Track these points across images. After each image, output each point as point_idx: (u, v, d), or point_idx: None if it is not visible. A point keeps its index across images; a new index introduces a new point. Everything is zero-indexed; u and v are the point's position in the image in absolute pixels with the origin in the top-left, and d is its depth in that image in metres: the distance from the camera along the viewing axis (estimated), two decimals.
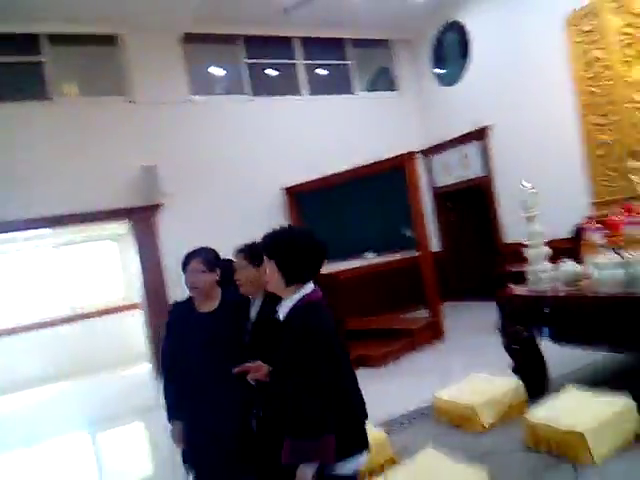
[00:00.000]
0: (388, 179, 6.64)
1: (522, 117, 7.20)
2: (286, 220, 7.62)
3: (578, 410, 2.83)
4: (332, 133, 8.18)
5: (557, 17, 6.44)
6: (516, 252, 7.09)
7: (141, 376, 7.06)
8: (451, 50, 8.46)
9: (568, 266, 3.62)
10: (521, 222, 7.14)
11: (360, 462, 1.70)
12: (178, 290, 6.05)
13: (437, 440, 3.07)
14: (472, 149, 8.10)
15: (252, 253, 2.30)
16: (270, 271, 1.77)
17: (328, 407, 1.57)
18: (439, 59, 8.70)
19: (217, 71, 8.08)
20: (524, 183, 4.07)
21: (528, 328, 3.70)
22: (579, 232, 6.19)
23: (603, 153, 6.17)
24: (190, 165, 7.09)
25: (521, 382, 3.57)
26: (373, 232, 6.82)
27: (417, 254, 6.41)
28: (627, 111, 5.82)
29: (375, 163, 6.69)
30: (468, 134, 8.03)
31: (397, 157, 6.47)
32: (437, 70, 8.73)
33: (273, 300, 1.88)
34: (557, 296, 3.56)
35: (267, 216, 7.20)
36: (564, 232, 6.45)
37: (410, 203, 6.32)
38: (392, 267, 7.76)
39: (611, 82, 5.94)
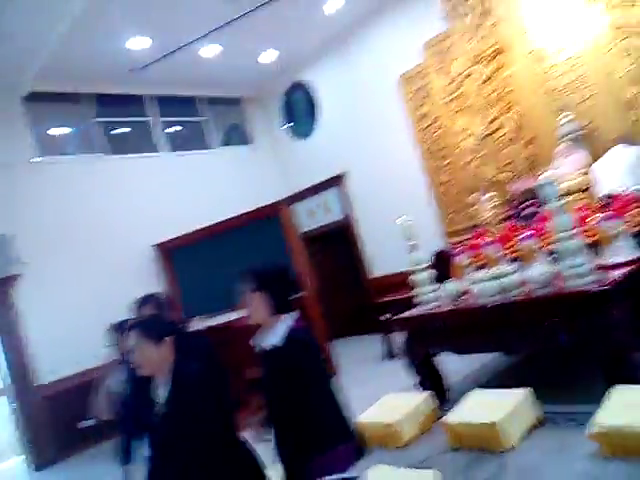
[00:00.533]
0: (261, 228, 6.89)
1: (374, 163, 8.07)
2: (159, 278, 7.40)
3: (486, 406, 3.25)
4: (193, 188, 8.24)
5: (392, 75, 7.45)
6: (382, 284, 7.90)
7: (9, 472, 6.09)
8: (300, 106, 9.18)
9: (450, 285, 4.18)
10: (382, 257, 7.99)
11: None
12: (47, 368, 5.53)
13: (368, 460, 3.25)
14: (331, 195, 8.77)
15: (148, 328, 2.07)
16: (256, 302, 1.87)
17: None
18: (290, 115, 9.36)
19: (65, 130, 7.68)
20: (401, 218, 4.56)
21: (426, 345, 4.16)
22: (438, 258, 7.10)
23: (445, 190, 7.20)
24: (48, 230, 6.58)
25: (430, 393, 3.96)
26: None
27: (301, 295, 6.68)
28: (457, 155, 6.92)
29: (247, 213, 6.92)
30: (326, 182, 8.70)
31: (270, 206, 6.78)
32: (288, 125, 9.37)
33: (178, 378, 1.86)
34: (448, 311, 4.07)
35: (138, 275, 6.95)
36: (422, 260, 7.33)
37: (289, 248, 6.62)
38: None
39: (441, 131, 7.03)
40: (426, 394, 4.02)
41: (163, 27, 6.38)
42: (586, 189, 5.18)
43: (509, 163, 6.41)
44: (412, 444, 3.58)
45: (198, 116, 8.86)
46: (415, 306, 4.46)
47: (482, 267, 4.44)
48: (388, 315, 6.24)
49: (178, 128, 8.69)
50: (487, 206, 6.11)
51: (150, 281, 7.45)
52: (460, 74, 6.66)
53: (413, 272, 4.49)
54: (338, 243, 9.12)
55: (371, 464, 3.08)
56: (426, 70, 7.02)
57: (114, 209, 7.32)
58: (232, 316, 6.83)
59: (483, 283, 3.82)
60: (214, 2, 6.04)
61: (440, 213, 7.34)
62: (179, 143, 8.52)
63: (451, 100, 6.83)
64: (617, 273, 3.44)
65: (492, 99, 6.40)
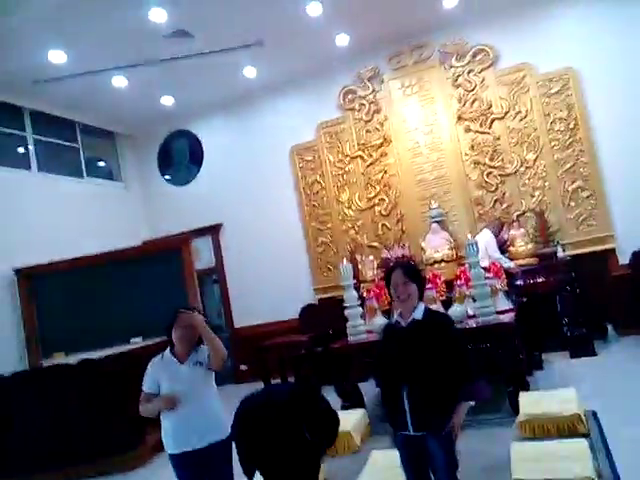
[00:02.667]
0: (157, 263, 6.83)
1: (253, 219, 8.56)
2: (16, 304, 6.66)
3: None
4: (64, 213, 7.68)
5: (283, 144, 8.36)
6: (247, 333, 8.23)
7: None
8: (181, 154, 9.40)
9: (379, 320, 5.02)
10: (249, 310, 8.39)
11: None
12: None
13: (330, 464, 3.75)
14: (204, 242, 8.99)
15: None
16: (413, 290, 2.49)
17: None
18: (167, 160, 9.46)
19: None
20: (344, 262, 5.32)
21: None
22: (308, 309, 7.92)
23: (322, 250, 8.18)
24: None
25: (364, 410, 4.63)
26: (139, 316, 6.70)
27: None
28: (339, 221, 8.06)
29: (145, 245, 6.81)
30: (200, 229, 8.89)
31: (171, 240, 6.81)
32: (165, 171, 9.44)
33: None
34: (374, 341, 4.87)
35: None
36: (293, 312, 8.06)
37: (186, 285, 6.69)
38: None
39: (327, 199, 8.14)
40: (362, 411, 4.70)
41: (79, 45, 6.23)
42: (453, 259, 6.70)
43: (382, 234, 7.76)
44: (361, 450, 4.17)
45: (75, 142, 8.38)
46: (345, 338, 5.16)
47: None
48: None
49: (54, 150, 8.07)
50: (370, 266, 7.28)
51: (6, 306, 6.62)
52: (348, 155, 7.96)
53: (347, 307, 5.21)
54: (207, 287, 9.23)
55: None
56: (318, 146, 8.17)
57: None
58: (120, 349, 6.46)
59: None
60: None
61: (313, 271, 8.24)
62: (53, 165, 7.90)
63: (339, 175, 8.05)
64: (510, 315, 4.75)
65: (374, 180, 7.79)
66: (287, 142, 8.37)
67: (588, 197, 6.75)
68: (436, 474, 2.51)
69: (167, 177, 9.45)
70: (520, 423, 3.85)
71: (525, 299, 5.96)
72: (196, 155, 9.23)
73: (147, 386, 2.71)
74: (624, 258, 6.58)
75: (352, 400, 4.98)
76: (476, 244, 4.69)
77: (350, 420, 4.39)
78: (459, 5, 6.78)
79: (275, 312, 8.23)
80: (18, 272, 6.79)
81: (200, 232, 8.87)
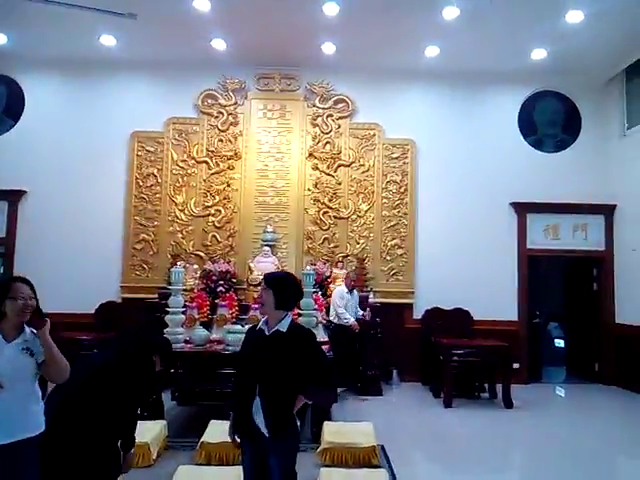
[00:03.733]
0: None
1: (68, 194, 7.59)
2: None
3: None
4: None
5: (126, 127, 7.71)
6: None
7: None
8: None
9: (200, 331, 4.81)
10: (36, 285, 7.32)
11: None
12: None
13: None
14: None
15: None
16: (267, 297, 2.45)
17: None
18: None
19: None
20: (179, 264, 5.00)
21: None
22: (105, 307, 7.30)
23: (140, 247, 7.60)
24: None
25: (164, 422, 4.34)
26: None
27: None
28: (167, 222, 7.62)
29: None
30: None
31: None
32: None
33: None
34: (195, 352, 4.64)
35: None
36: (90, 307, 7.30)
37: None
38: None
39: (160, 196, 7.66)
40: (162, 422, 4.44)
41: None
42: None
43: (210, 245, 7.56)
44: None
45: None
46: None
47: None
48: None
49: None
50: (192, 275, 7.00)
51: None
52: (195, 158, 7.68)
53: (170, 312, 4.87)
54: None
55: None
56: (163, 140, 7.71)
57: None
58: None
59: (235, 334, 4.67)
60: None
61: (125, 267, 7.59)
62: None
63: (180, 175, 7.67)
64: (326, 347, 4.98)
65: (215, 190, 7.61)
66: (129, 125, 7.74)
67: (402, 255, 7.58)
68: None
69: None
70: (322, 450, 3.99)
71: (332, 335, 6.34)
72: (13, 107, 7.92)
73: None
74: (418, 314, 7.48)
75: (153, 409, 4.61)
76: (313, 276, 4.87)
77: (149, 431, 4.05)
78: (335, 53, 7.21)
79: (68, 303, 7.25)
80: None
81: None
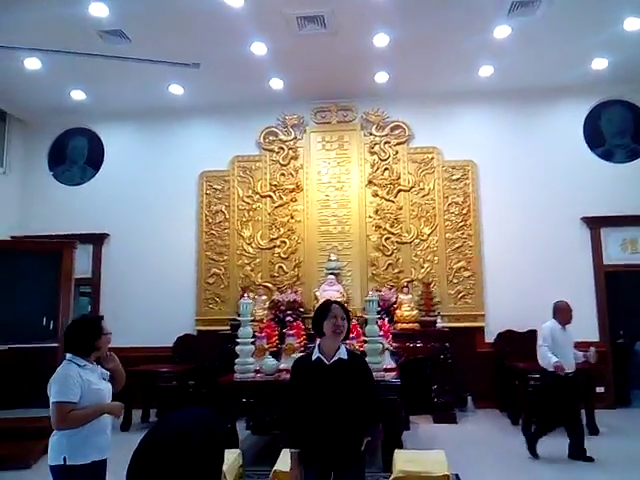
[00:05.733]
0: (31, 263, 6.16)
1: (145, 235, 8.14)
2: None
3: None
4: None
5: (194, 167, 8.20)
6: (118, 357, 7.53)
7: None
8: (77, 152, 8.74)
9: (270, 360, 4.96)
10: (119, 330, 7.78)
11: None
12: None
13: None
14: (83, 250, 8.26)
15: None
16: (346, 327, 2.58)
17: None
18: (61, 156, 8.73)
19: None
20: (245, 297, 5.22)
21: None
22: (183, 340, 7.61)
23: (212, 282, 7.96)
24: None
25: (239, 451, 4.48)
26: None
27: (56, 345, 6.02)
28: (236, 255, 7.95)
29: (21, 242, 6.12)
30: (82, 235, 8.18)
31: (51, 242, 6.20)
32: (56, 167, 8.68)
33: None
34: (264, 381, 4.79)
35: None
36: (168, 340, 7.67)
37: (59, 292, 6.07)
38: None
39: (228, 231, 8.02)
40: (237, 451, 4.57)
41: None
42: None
43: (277, 276, 7.79)
44: None
45: None
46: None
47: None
48: None
49: None
50: (261, 305, 7.23)
51: None
52: (259, 193, 8.00)
53: (240, 343, 5.08)
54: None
55: None
56: (229, 177, 8.11)
57: None
58: None
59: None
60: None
61: (198, 300, 7.96)
62: None
63: (246, 210, 8.02)
64: (394, 373, 4.97)
65: (279, 222, 7.87)
66: (198, 166, 8.20)
67: (469, 277, 7.44)
68: None
69: (56, 173, 8.68)
70: (395, 479, 3.96)
71: (402, 360, 6.30)
72: (94, 157, 8.65)
73: (73, 395, 2.51)
74: (490, 337, 7.27)
75: (228, 439, 4.77)
76: (377, 302, 4.90)
77: (226, 460, 4.19)
78: (388, 81, 7.36)
79: (148, 337, 7.73)
80: None
81: (82, 238, 8.17)
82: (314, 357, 2.65)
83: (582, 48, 6.47)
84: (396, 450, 4.39)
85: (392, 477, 4.01)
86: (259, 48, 6.42)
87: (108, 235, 8.30)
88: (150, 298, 8.00)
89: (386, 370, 5.04)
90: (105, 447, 2.58)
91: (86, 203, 8.36)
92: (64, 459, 2.44)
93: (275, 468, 4.04)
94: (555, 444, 5.12)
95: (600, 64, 6.82)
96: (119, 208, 8.30)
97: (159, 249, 8.13)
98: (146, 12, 5.70)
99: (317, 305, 6.80)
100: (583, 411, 5.87)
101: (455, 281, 7.46)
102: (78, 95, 7.82)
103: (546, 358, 4.91)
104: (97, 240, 8.30)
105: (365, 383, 2.60)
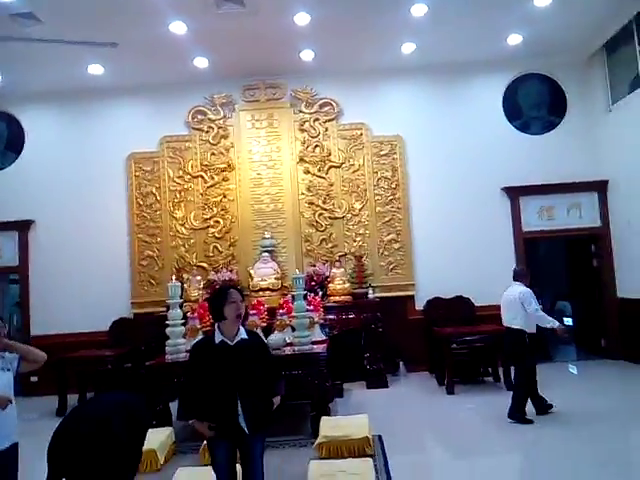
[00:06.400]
0: None
1: (74, 219, 7.92)
2: None
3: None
4: None
5: (120, 150, 8.00)
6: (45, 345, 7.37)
7: None
8: None
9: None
10: (51, 317, 7.61)
11: None
12: None
13: None
14: (8, 238, 8.01)
15: None
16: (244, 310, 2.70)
17: None
18: None
19: None
20: (173, 280, 5.25)
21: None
22: (118, 324, 7.57)
23: (146, 264, 7.90)
24: None
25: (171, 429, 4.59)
26: None
27: None
28: (169, 237, 7.90)
29: None
30: (5, 223, 7.89)
31: None
32: None
33: None
34: None
35: None
36: (103, 325, 7.59)
37: None
38: None
39: (160, 212, 7.94)
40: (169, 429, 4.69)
41: None
42: (277, 289, 7.04)
43: (212, 256, 7.81)
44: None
45: None
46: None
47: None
48: None
49: None
50: (195, 286, 7.26)
51: None
52: (190, 174, 7.93)
53: (170, 325, 5.13)
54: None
55: None
56: (159, 158, 7.99)
57: None
58: None
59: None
60: None
61: (133, 284, 7.88)
62: None
63: (177, 191, 7.94)
64: (323, 345, 5.18)
65: (212, 202, 7.86)
66: (126, 148, 8.02)
67: (398, 249, 7.72)
68: (251, 473, 2.75)
69: None
70: (318, 445, 4.19)
71: (336, 332, 6.54)
72: (15, 142, 8.28)
73: None
74: (420, 304, 7.62)
75: (161, 418, 4.87)
76: (302, 279, 5.05)
77: (157, 439, 4.30)
78: (315, 59, 7.40)
79: (82, 323, 7.65)
80: None
81: (5, 226, 7.92)
82: (217, 340, 2.74)
83: (497, 24, 6.73)
84: (322, 417, 4.62)
85: (316, 442, 4.24)
86: (179, 27, 6.30)
87: (34, 221, 8.04)
88: (83, 283, 7.86)
89: (315, 343, 5.24)
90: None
91: (8, 189, 8.03)
92: None
93: (205, 442, 4.19)
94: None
95: (515, 39, 7.12)
96: (44, 193, 8.03)
97: (89, 233, 7.95)
98: None
99: (251, 284, 6.91)
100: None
101: (386, 253, 7.73)
102: None
103: (549, 320, 5.01)
104: (22, 227, 8.02)
105: (264, 355, 2.77)
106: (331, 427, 4.36)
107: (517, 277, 5.37)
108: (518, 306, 5.08)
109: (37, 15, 5.93)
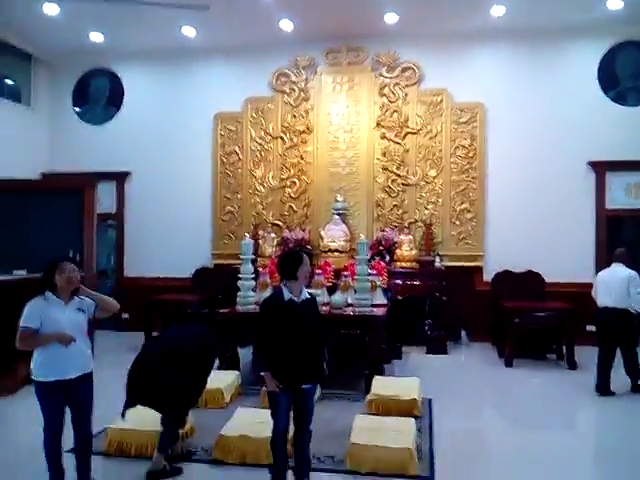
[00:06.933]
0: (56, 200, 6.71)
1: (164, 172, 8.58)
2: None
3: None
4: None
5: (208, 109, 8.47)
6: (135, 284, 8.26)
7: None
8: (99, 93, 9.10)
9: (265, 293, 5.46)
10: (142, 261, 8.41)
11: None
12: None
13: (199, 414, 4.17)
14: (108, 187, 8.82)
15: None
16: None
17: None
18: (84, 95, 9.11)
19: None
20: (247, 237, 5.66)
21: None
22: (201, 273, 8.14)
23: (227, 219, 8.43)
24: None
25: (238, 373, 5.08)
26: (28, 250, 6.56)
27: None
28: (249, 195, 8.36)
29: (44, 181, 6.64)
30: (106, 173, 8.68)
31: (75, 180, 6.71)
32: (80, 106, 9.10)
33: None
34: None
35: None
36: (187, 272, 8.26)
37: (83, 227, 6.66)
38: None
39: (241, 170, 8.39)
40: (235, 373, 5.16)
41: None
42: (343, 251, 7.30)
43: (287, 215, 8.19)
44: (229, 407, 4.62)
45: None
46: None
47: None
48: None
49: None
50: (270, 243, 7.69)
51: None
52: (270, 135, 8.26)
53: (241, 278, 5.59)
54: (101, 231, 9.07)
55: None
56: (242, 119, 8.36)
57: None
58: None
59: None
60: None
61: (215, 236, 8.48)
62: None
63: (258, 150, 8.32)
64: (383, 309, 5.42)
65: (290, 163, 8.17)
66: (213, 107, 8.45)
67: (470, 219, 7.67)
68: (305, 419, 3.09)
69: (80, 112, 9.11)
70: (368, 401, 4.50)
71: (400, 297, 6.74)
72: (115, 97, 9.00)
73: (32, 322, 2.91)
74: (488, 277, 7.59)
75: (229, 362, 5.39)
76: (365, 244, 5.27)
77: (224, 379, 4.81)
78: (398, 22, 7.30)
79: (168, 269, 8.35)
80: None
81: (106, 176, 8.69)
82: (286, 297, 3.06)
83: None
84: (375, 377, 4.91)
85: (367, 399, 4.55)
86: None
87: (130, 173, 8.79)
88: (171, 232, 8.55)
89: (375, 306, 5.49)
90: (65, 369, 2.92)
91: (109, 142, 8.81)
92: (32, 374, 2.97)
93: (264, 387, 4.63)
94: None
95: (616, 4, 6.59)
96: (140, 147, 8.72)
97: (177, 186, 8.58)
98: None
99: (322, 244, 7.20)
100: None
101: (457, 223, 7.71)
102: (97, 37, 8.10)
103: None
104: (120, 178, 8.81)
105: (319, 315, 3.17)
106: (383, 386, 4.64)
107: (620, 259, 5.36)
108: (625, 287, 5.11)
109: None
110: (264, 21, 7.33)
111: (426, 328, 7.03)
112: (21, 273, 6.48)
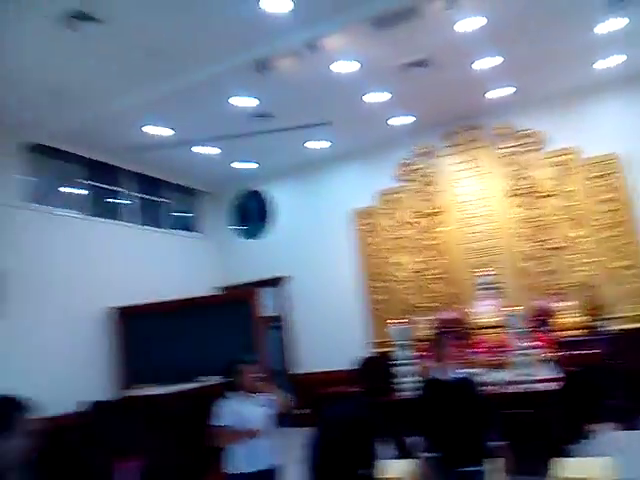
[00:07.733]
0: (228, 309, 7.65)
1: (316, 274, 9.37)
2: (111, 339, 7.64)
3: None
4: (151, 263, 8.75)
5: (344, 208, 9.17)
6: (308, 379, 8.83)
7: None
8: (253, 211, 10.45)
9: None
10: (312, 355, 8.98)
11: None
12: None
13: None
14: (270, 292, 9.78)
15: None
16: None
17: None
18: (241, 216, 10.54)
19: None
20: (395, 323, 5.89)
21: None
22: (367, 361, 8.34)
23: (379, 307, 8.75)
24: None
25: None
26: (208, 359, 7.44)
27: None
28: (391, 282, 8.67)
29: (216, 295, 7.65)
30: (267, 280, 9.69)
31: (240, 290, 7.63)
32: (237, 226, 10.52)
33: None
34: None
35: (90, 333, 7.29)
36: (344, 363, 8.57)
37: (254, 332, 7.44)
38: None
39: (379, 260, 8.80)
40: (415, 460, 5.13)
41: (180, 122, 7.37)
42: (497, 326, 7.11)
43: (433, 296, 8.28)
44: None
45: (161, 197, 9.63)
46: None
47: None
48: None
49: (142, 203, 9.23)
50: (424, 326, 7.79)
51: (102, 342, 7.60)
52: (403, 221, 8.65)
53: (397, 365, 5.76)
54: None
55: None
56: (377, 211, 8.93)
57: (77, 265, 7.54)
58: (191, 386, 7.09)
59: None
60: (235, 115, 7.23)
61: (370, 326, 8.77)
62: (140, 218, 9.07)
63: (394, 239, 8.73)
64: (550, 384, 5.16)
65: (425, 245, 8.42)
66: (348, 205, 9.15)
67: (633, 275, 7.08)
68: None
69: (240, 232, 10.47)
70: None
71: (574, 369, 6.29)
72: (267, 213, 10.23)
73: (225, 420, 3.36)
74: None
75: (403, 451, 5.41)
76: (516, 317, 5.19)
77: (405, 469, 4.86)
78: (509, 94, 7.52)
79: (331, 362, 8.74)
80: (118, 310, 7.78)
81: (267, 283, 9.70)
82: (442, 379, 3.24)
83: None
84: (558, 458, 4.59)
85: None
86: (376, 97, 7.15)
87: (287, 277, 9.73)
88: (327, 326, 9.09)
89: (541, 381, 5.23)
90: (254, 462, 3.25)
91: (266, 253, 9.93)
92: (227, 469, 3.34)
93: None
94: None
95: None
96: (292, 253, 9.69)
97: (330, 282, 9.25)
98: (284, 94, 6.80)
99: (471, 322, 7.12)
100: None
101: (619, 281, 7.15)
102: (249, 165, 9.48)
103: None
104: (279, 282, 9.77)
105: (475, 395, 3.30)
106: (570, 469, 4.33)
107: None
108: None
109: (272, 113, 7.42)
110: (379, 122, 7.98)
111: (611, 401, 6.38)
112: (204, 379, 7.35)
